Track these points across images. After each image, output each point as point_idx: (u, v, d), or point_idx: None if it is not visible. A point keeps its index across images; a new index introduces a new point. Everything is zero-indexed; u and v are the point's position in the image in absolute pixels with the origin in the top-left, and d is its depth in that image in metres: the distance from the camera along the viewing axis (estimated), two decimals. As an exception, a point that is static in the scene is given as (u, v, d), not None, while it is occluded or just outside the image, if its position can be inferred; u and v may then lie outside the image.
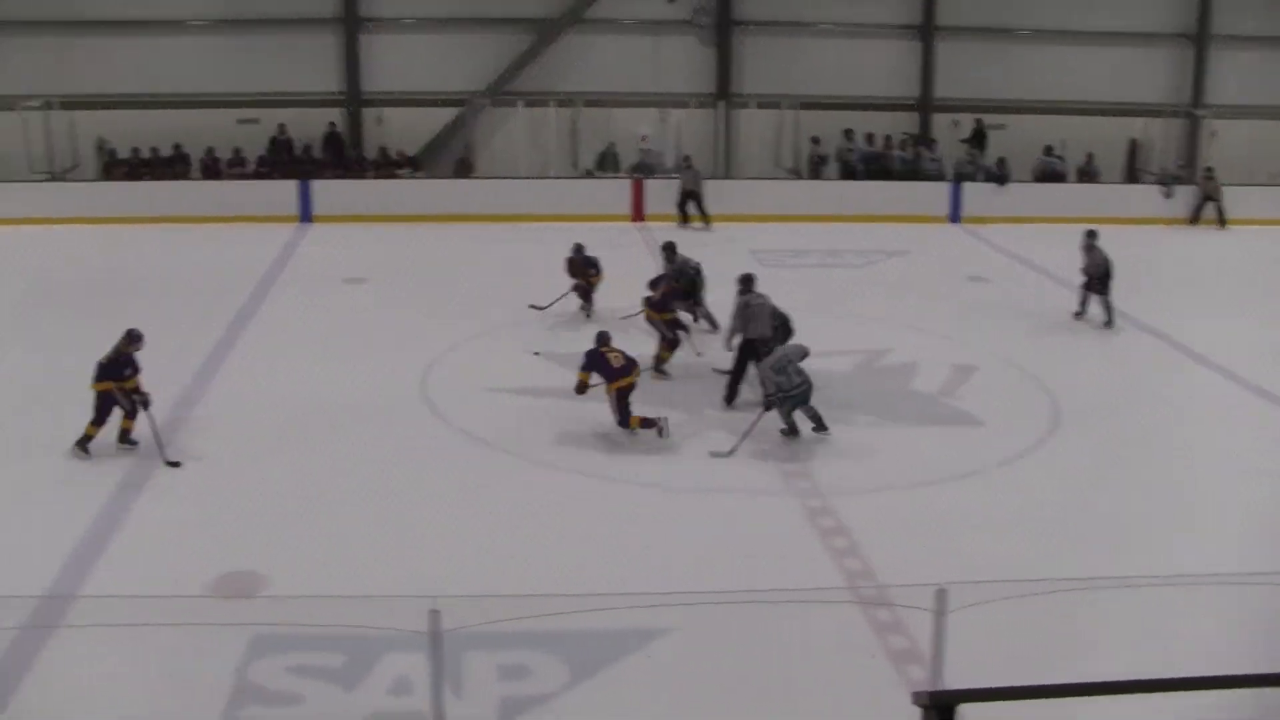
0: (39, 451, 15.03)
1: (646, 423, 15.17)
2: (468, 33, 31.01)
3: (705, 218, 28.82)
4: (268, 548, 12.51)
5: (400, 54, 31.12)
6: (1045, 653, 10.33)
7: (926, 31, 32.50)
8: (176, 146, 30.47)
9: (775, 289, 17.60)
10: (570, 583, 11.34)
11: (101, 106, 30.88)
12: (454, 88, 30.98)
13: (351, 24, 31.01)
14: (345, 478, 14.33)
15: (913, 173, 30.99)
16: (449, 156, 31.26)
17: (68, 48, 31.01)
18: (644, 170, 30.28)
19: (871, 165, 31.14)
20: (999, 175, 30.57)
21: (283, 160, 30.57)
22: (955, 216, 30.16)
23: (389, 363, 17.99)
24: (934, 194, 30.41)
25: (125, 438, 14.93)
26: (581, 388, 15.41)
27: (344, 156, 30.74)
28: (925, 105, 32.86)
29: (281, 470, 14.53)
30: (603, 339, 15.59)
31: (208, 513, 13.46)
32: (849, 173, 31.11)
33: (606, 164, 30.89)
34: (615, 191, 29.44)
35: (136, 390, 14.74)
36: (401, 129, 31.29)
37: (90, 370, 14.59)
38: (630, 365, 15.33)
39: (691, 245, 21.46)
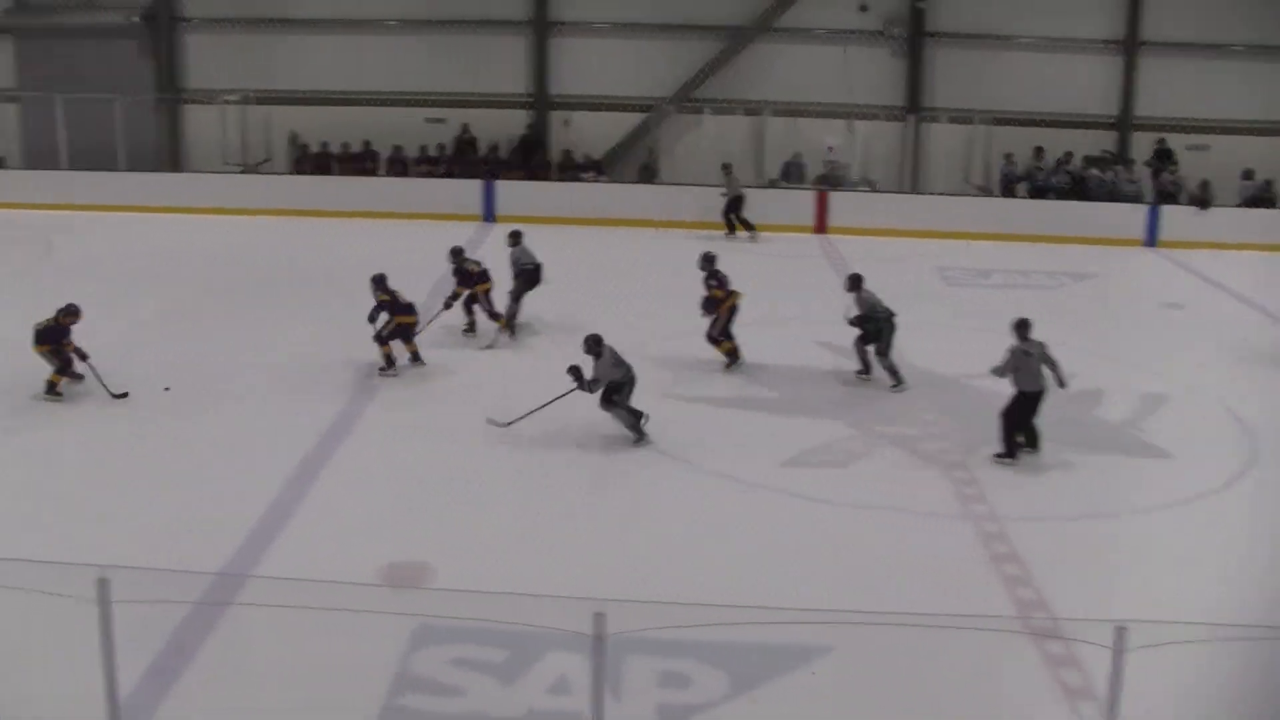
0: (219, 432, 15.40)
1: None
2: (657, 38, 31.02)
3: (749, 227, 28.29)
4: (437, 540, 12.58)
5: (589, 58, 31.26)
6: (1231, 704, 9.87)
7: (1130, 46, 31.37)
8: (366, 143, 31.04)
9: (958, 308, 17.24)
10: (735, 594, 11.15)
11: (295, 102, 31.63)
12: (641, 93, 31.01)
13: (542, 27, 31.25)
14: (519, 475, 14.38)
15: (1109, 193, 29.93)
16: (633, 161, 31.29)
17: (265, 44, 31.83)
18: (829, 182, 29.96)
19: (1064, 185, 30.23)
20: (1201, 199, 29.31)
21: (468, 160, 30.93)
22: (1151, 240, 29.04)
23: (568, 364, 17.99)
24: (1130, 216, 29.25)
25: (52, 389, 16.54)
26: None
27: (533, 159, 30.98)
28: (1124, 124, 31.80)
29: (456, 464, 14.62)
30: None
31: (381, 501, 13.61)
32: (1039, 191, 30.27)
33: (791, 174, 30.62)
34: (799, 202, 29.14)
35: (76, 350, 16.55)
36: (587, 133, 31.42)
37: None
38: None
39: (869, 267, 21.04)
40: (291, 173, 31.23)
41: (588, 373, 14.99)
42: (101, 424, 15.91)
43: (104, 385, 16.55)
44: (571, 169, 30.74)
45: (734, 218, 28.07)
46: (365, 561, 11.93)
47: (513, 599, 10.55)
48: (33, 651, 10.29)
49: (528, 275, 20.13)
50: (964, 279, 24.49)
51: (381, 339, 17.62)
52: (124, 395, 16.57)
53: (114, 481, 14.15)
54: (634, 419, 15.21)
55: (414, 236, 26.61)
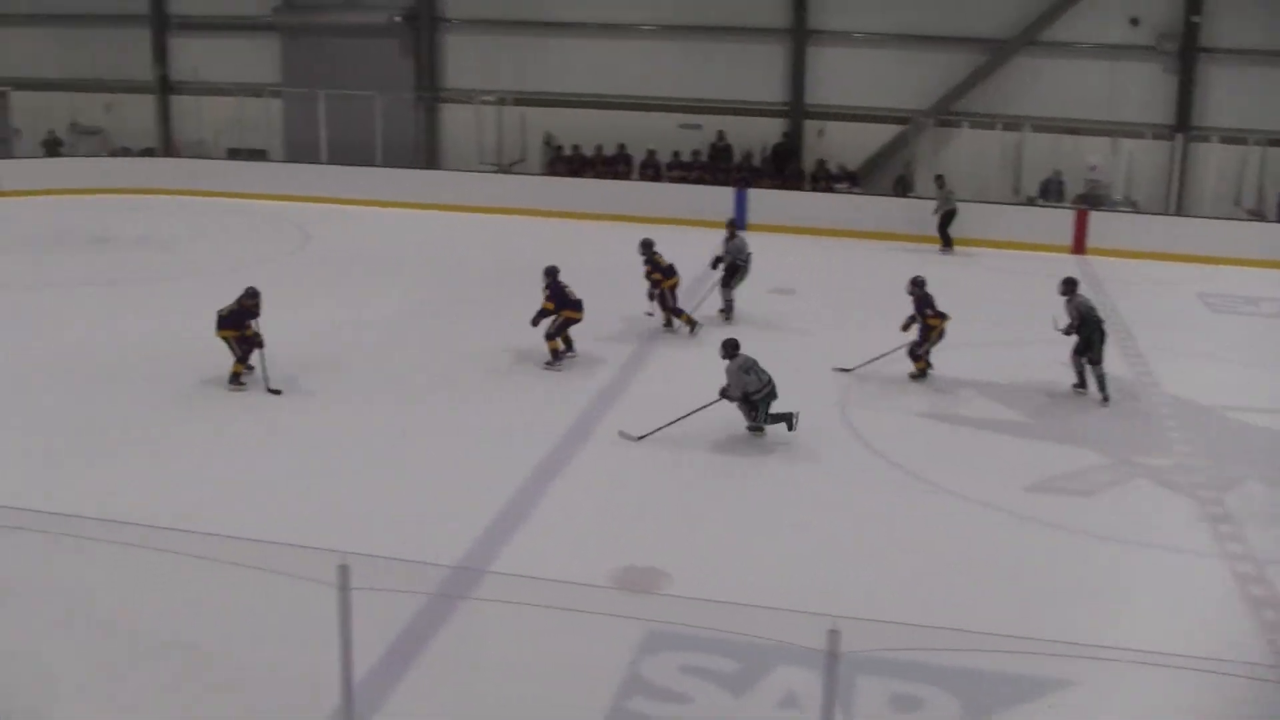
0: (461, 426, 15.69)
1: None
2: (916, 50, 30.58)
3: (946, 241, 27.60)
4: (673, 546, 12.57)
5: (847, 68, 31.00)
6: None
7: None
8: (620, 146, 31.33)
9: (1221, 336, 16.54)
10: (972, 619, 10.85)
11: (551, 104, 32.13)
12: (898, 104, 30.63)
13: (800, 35, 31.09)
14: (757, 484, 14.30)
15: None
16: (888, 174, 30.93)
17: (523, 46, 32.41)
18: (1090, 201, 29.09)
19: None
20: None
21: (721, 167, 30.97)
22: None
23: (812, 377, 17.81)
24: None
25: (236, 380, 16.95)
26: None
27: (786, 167, 30.85)
28: None
29: (695, 472, 14.61)
30: None
31: (618, 504, 13.67)
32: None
33: (1050, 192, 29.84)
34: (1057, 221, 28.36)
35: (256, 335, 16.87)
36: (842, 143, 31.15)
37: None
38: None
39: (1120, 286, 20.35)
40: (545, 174, 31.72)
41: (723, 377, 15.24)
42: (347, 412, 16.34)
43: (265, 377, 16.99)
44: (825, 179, 30.52)
45: (945, 232, 27.59)
46: (600, 564, 11.99)
47: (746, 609, 10.46)
48: (272, 632, 10.60)
49: (739, 268, 20.83)
50: (1228, 305, 23.50)
51: (550, 335, 18.06)
52: (278, 392, 16.84)
53: (355, 470, 14.50)
54: (754, 415, 15.35)
55: (664, 241, 26.71)
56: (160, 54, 35.26)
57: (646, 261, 19.90)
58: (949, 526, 13.40)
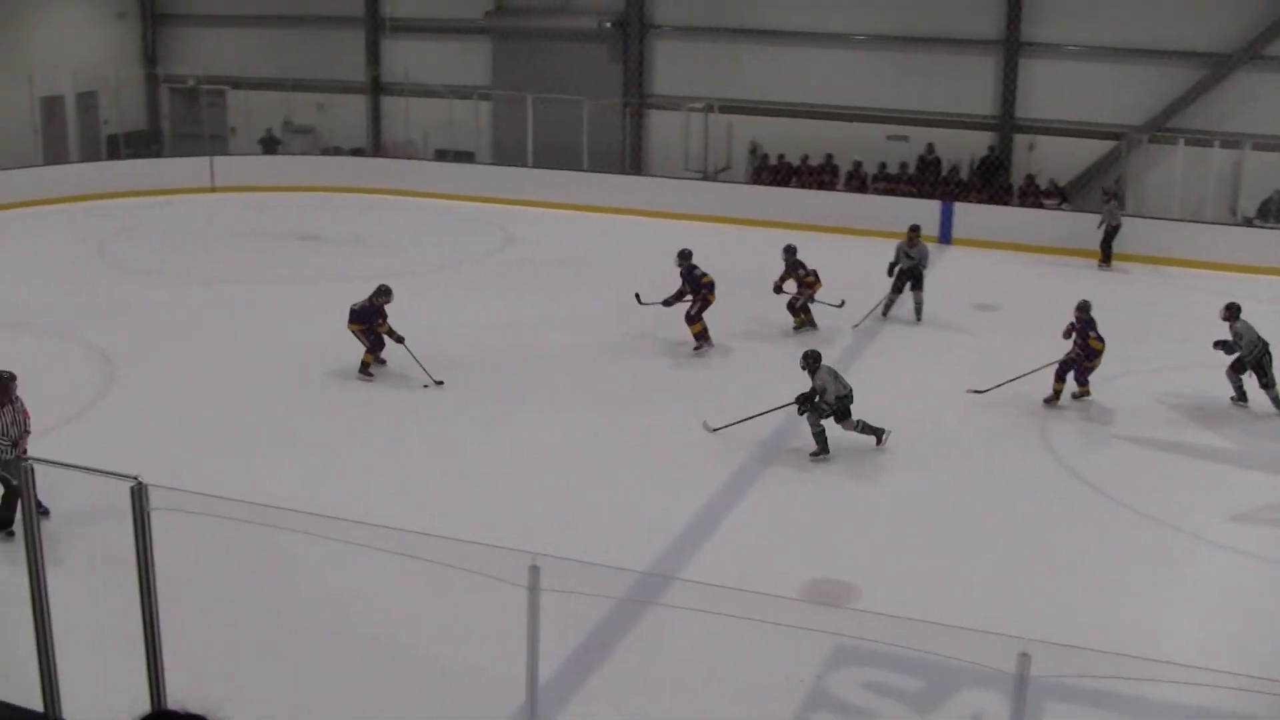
0: (663, 430, 15.80)
1: None
2: (1133, 63, 29.80)
3: (1106, 258, 26.59)
4: (863, 559, 12.52)
5: (1060, 81, 30.36)
6: None
7: None
8: (827, 157, 31.19)
9: None
10: (1166, 649, 10.60)
11: (758, 112, 32.12)
12: (1112, 120, 29.90)
13: (1013, 48, 30.54)
14: (949, 503, 14.13)
15: None
16: (1099, 190, 30.24)
17: (732, 54, 32.44)
18: (1313, 223, 28.07)
19: None
20: None
21: (928, 180, 30.63)
22: None
23: (1009, 392, 17.54)
24: None
25: (365, 370, 17.69)
26: None
27: (994, 182, 30.38)
28: None
29: (886, 487, 14.52)
30: None
31: (810, 515, 13.66)
32: None
33: (1270, 212, 28.86)
34: (1277, 244, 27.40)
35: (390, 332, 17.48)
36: (1052, 158, 30.54)
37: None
38: None
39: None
40: (750, 182, 31.71)
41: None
42: (540, 413, 16.57)
43: (423, 369, 17.50)
44: (1034, 194, 29.98)
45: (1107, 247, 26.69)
46: (789, 575, 11.98)
47: (934, 628, 10.35)
48: (459, 629, 10.83)
49: (911, 274, 21.24)
50: None
51: (690, 318, 18.67)
52: (439, 383, 17.41)
53: (546, 471, 14.73)
54: (821, 431, 15.30)
55: (868, 253, 26.56)
56: (373, 55, 36.14)
57: (685, 276, 19.73)
58: (1148, 553, 13.11)
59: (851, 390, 15.53)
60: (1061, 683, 9.05)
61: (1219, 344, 17.49)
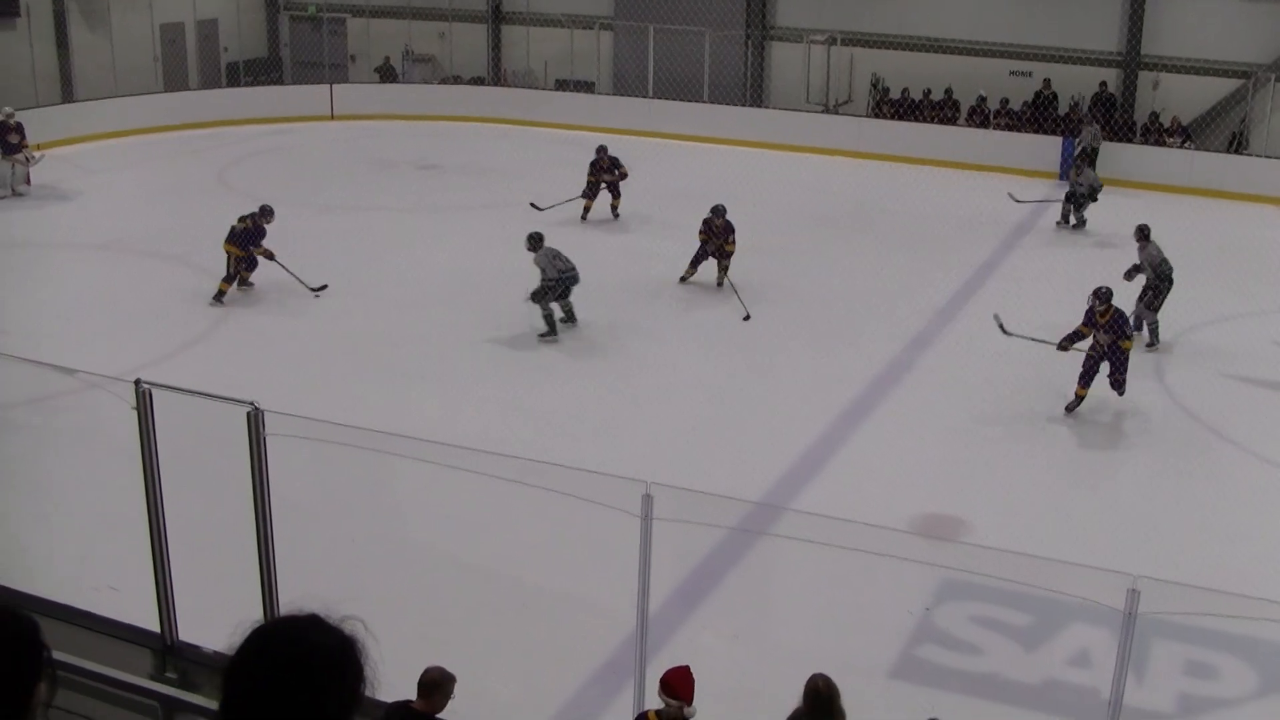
0: (770, 365, 15.97)
1: None
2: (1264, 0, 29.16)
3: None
4: (975, 495, 12.61)
5: (1188, 17, 29.71)
6: None
7: None
8: (948, 91, 30.86)
9: None
10: (1275, 589, 10.62)
11: (880, 46, 31.80)
12: (1240, 58, 29.25)
13: (1142, -19, 29.98)
14: (1064, 441, 14.16)
15: None
16: (1224, 130, 29.67)
17: (855, -15, 32.11)
18: None
19: None
20: None
21: (1049, 116, 30.22)
22: None
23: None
24: None
25: (242, 282, 18.38)
26: None
27: (1113, 119, 29.92)
28: None
29: (1002, 422, 14.54)
30: None
31: (923, 450, 13.76)
32: None
33: (1402, 154, 28.12)
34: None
35: (265, 251, 18.14)
36: (1177, 96, 29.97)
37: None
38: None
39: None
40: (871, 116, 31.50)
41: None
42: (656, 346, 16.77)
43: (301, 281, 18.29)
44: (1157, 133, 29.49)
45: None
46: (901, 508, 12.11)
47: (1043, 563, 10.43)
48: (573, 558, 11.07)
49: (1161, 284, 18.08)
50: None
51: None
52: (323, 288, 18.35)
53: (663, 402, 14.95)
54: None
55: (988, 190, 26.38)
56: (495, -16, 36.24)
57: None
58: (1259, 494, 13.05)
59: (574, 269, 16.85)
60: (1169, 620, 9.13)
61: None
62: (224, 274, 18.14)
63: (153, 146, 28.65)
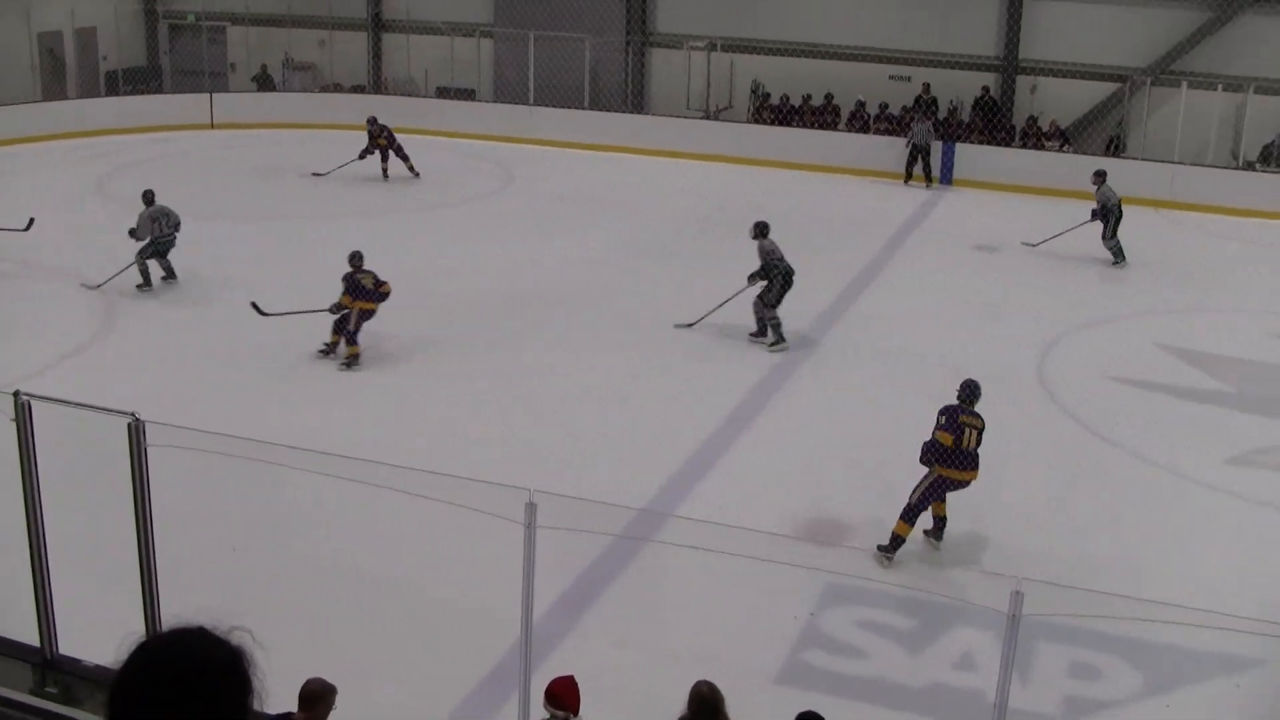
0: (655, 373, 15.87)
1: None
2: (1137, 5, 29.61)
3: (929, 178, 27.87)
4: (857, 499, 12.56)
5: (1064, 22, 30.13)
6: None
7: None
8: (828, 97, 31.03)
9: None
10: (1161, 591, 10.66)
11: (760, 52, 31.90)
12: (1116, 62, 29.72)
13: (1019, -12, 30.36)
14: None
15: None
16: (1101, 133, 30.12)
17: (737, -8, 32.19)
18: (1314, 167, 27.97)
19: None
20: None
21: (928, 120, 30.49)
22: None
23: (1007, 334, 17.59)
24: None
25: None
26: None
27: (994, 123, 30.24)
28: None
29: (880, 427, 14.53)
30: None
31: (805, 455, 13.71)
32: None
33: (1272, 158, 28.74)
34: (1277, 188, 27.32)
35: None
36: (1054, 100, 30.38)
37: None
38: None
39: None
40: (751, 121, 31.58)
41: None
42: (536, 352, 16.60)
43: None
44: (1035, 137, 29.86)
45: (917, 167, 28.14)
46: (785, 513, 12.05)
47: (927, 567, 10.43)
48: (457, 566, 10.90)
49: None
50: None
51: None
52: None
53: (545, 409, 14.80)
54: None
55: (869, 194, 26.55)
56: (375, -9, 35.94)
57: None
58: (1146, 496, 13.16)
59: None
60: (1053, 622, 9.12)
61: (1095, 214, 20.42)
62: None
63: (32, 156, 27.96)
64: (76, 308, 17.95)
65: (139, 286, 18.55)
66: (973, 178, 27.87)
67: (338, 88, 35.20)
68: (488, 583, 9.80)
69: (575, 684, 7.44)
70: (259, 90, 34.48)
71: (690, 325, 17.49)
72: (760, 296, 17.09)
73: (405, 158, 26.72)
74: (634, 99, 33.28)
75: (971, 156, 28.42)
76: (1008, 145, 29.47)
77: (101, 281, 18.32)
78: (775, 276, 16.93)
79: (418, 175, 26.77)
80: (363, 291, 16.04)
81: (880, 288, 19.87)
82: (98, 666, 8.53)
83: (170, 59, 36.90)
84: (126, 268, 18.38)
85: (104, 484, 8.95)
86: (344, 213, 23.62)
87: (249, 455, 8.90)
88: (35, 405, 8.42)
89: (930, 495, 11.36)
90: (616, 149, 29.88)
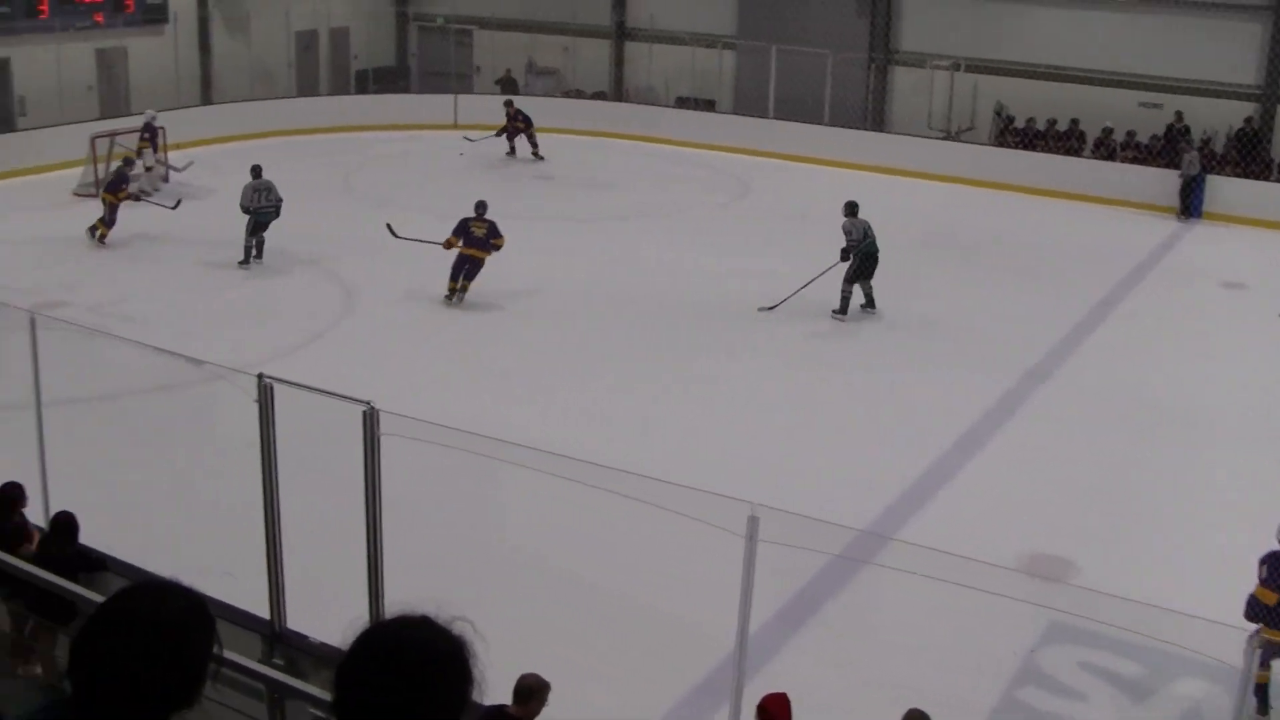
0: (887, 393, 15.66)
1: None
2: None
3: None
4: (1086, 536, 12.20)
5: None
6: None
7: None
8: (1074, 122, 30.26)
9: None
10: None
11: (1005, 73, 31.23)
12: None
13: (1281, 13, 29.16)
14: (1178, 483, 13.66)
15: None
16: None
17: (982, 12, 31.53)
18: None
19: None
20: None
21: (1179, 150, 29.47)
22: None
23: (1257, 373, 16.90)
24: None
25: (98, 237, 20.98)
26: None
27: (1251, 155, 29.09)
28: None
29: (1112, 466, 14.09)
30: None
31: (1034, 487, 13.36)
32: None
33: None
34: None
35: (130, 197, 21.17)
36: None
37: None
38: None
39: None
40: (993, 144, 30.98)
41: None
42: (760, 366, 16.54)
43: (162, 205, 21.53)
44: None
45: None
46: (1008, 546, 11.73)
47: (1156, 611, 10.02)
48: (674, 574, 10.88)
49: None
50: None
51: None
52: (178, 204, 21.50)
53: (769, 422, 14.73)
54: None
55: (1113, 223, 25.78)
56: (619, 0, 36.23)
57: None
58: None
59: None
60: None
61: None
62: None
63: (285, 149, 29.06)
64: (320, 294, 18.55)
65: (240, 264, 19.95)
66: (1225, 211, 26.81)
67: (579, 94, 35.64)
68: (702, 592, 9.79)
69: (788, 701, 7.37)
70: (503, 93, 35.09)
71: (772, 308, 18.24)
72: (849, 273, 18.44)
73: (534, 142, 29.40)
74: (874, 116, 32.92)
75: (1223, 189, 27.33)
76: (1264, 179, 28.27)
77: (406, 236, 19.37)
78: (856, 254, 18.32)
79: (542, 159, 29.17)
80: (470, 238, 18.43)
81: (1119, 321, 19.24)
82: (322, 644, 8.82)
83: (418, 60, 38.00)
84: (409, 239, 19.29)
85: (336, 467, 9.22)
86: (578, 218, 23.88)
87: (475, 450, 9.02)
88: (277, 388, 8.79)
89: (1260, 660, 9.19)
90: (854, 166, 29.58)
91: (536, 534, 11.80)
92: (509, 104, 29.70)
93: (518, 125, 29.47)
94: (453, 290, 18.45)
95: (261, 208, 19.87)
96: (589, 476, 8.64)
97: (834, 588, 10.97)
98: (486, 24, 36.17)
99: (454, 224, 18.58)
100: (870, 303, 18.73)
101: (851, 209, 18.85)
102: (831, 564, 10.97)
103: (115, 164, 23.40)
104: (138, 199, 21.82)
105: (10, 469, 10.07)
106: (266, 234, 20.17)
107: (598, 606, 10.70)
